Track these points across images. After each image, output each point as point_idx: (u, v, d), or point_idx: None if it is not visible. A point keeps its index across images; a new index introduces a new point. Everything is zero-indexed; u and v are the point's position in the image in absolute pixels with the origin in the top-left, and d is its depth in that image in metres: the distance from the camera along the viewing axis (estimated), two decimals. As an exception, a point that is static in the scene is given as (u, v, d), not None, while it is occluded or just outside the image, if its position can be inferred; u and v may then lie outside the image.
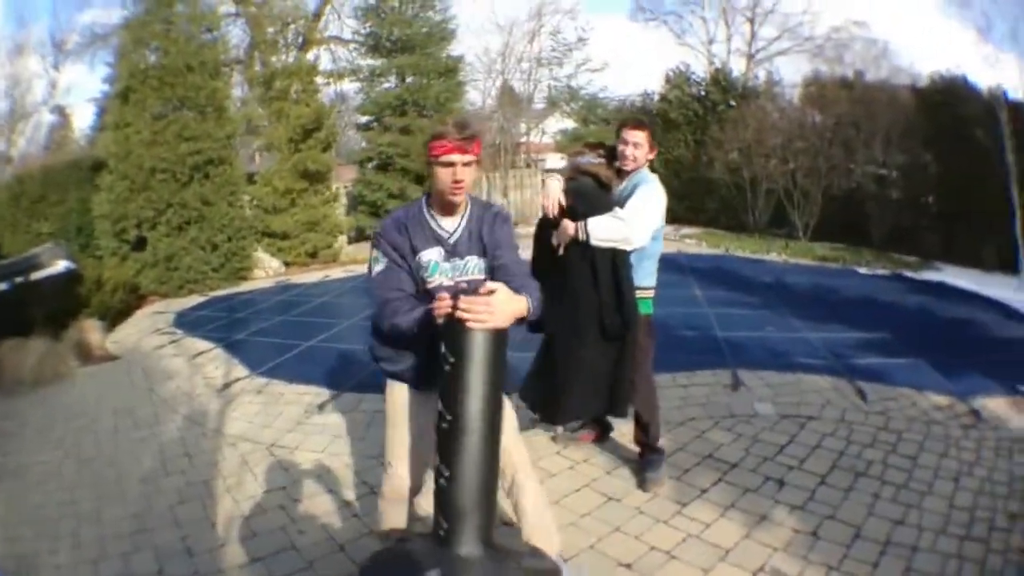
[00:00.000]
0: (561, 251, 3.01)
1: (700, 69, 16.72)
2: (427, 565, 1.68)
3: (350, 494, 3.27)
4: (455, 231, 2.26)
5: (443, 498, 1.77)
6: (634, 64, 32.31)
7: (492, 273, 2.24)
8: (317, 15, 16.16)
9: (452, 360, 1.75)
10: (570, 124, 16.68)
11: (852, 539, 2.79)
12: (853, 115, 11.19)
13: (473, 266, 2.28)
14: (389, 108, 11.74)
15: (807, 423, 3.97)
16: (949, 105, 10.38)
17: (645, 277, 3.19)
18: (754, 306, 6.62)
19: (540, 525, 2.36)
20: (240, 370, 5.25)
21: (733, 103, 13.67)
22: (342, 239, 11.27)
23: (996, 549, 2.74)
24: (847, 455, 3.57)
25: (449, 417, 1.78)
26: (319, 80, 11.63)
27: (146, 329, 7.07)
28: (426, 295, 2.21)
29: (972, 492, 3.17)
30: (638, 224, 2.94)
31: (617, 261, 3.00)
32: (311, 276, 9.74)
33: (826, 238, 11.16)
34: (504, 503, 2.29)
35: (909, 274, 8.97)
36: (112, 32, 13.13)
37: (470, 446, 1.74)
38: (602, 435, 3.68)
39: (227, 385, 4.90)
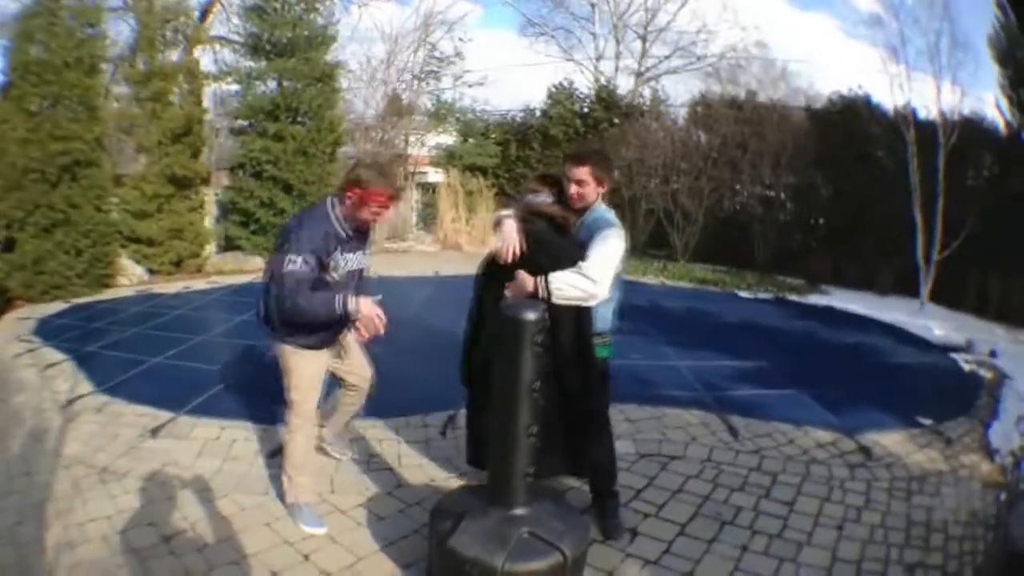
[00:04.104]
0: None
1: (586, 86, 16.86)
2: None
3: (169, 529, 3.20)
4: (352, 234, 3.15)
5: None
6: (521, 79, 32.97)
7: None
8: (204, 14, 15.73)
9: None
10: (449, 139, 16.74)
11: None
12: (740, 135, 11.01)
13: (354, 259, 3.18)
14: (264, 112, 11.77)
15: (669, 463, 3.69)
16: (847, 126, 10.26)
17: (603, 323, 3.07)
18: (623, 331, 5.76)
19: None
20: (85, 385, 5.14)
21: (617, 121, 13.63)
22: (209, 248, 11.29)
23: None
24: (712, 500, 3.29)
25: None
26: (200, 81, 11.61)
27: (8, 336, 6.92)
28: (324, 284, 3.02)
29: (859, 541, 2.94)
30: (603, 280, 2.76)
31: (582, 320, 2.87)
32: (174, 286, 9.61)
33: (709, 260, 11.08)
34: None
35: (794, 298, 8.57)
36: (8, 22, 12.59)
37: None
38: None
39: (70, 402, 4.82)
